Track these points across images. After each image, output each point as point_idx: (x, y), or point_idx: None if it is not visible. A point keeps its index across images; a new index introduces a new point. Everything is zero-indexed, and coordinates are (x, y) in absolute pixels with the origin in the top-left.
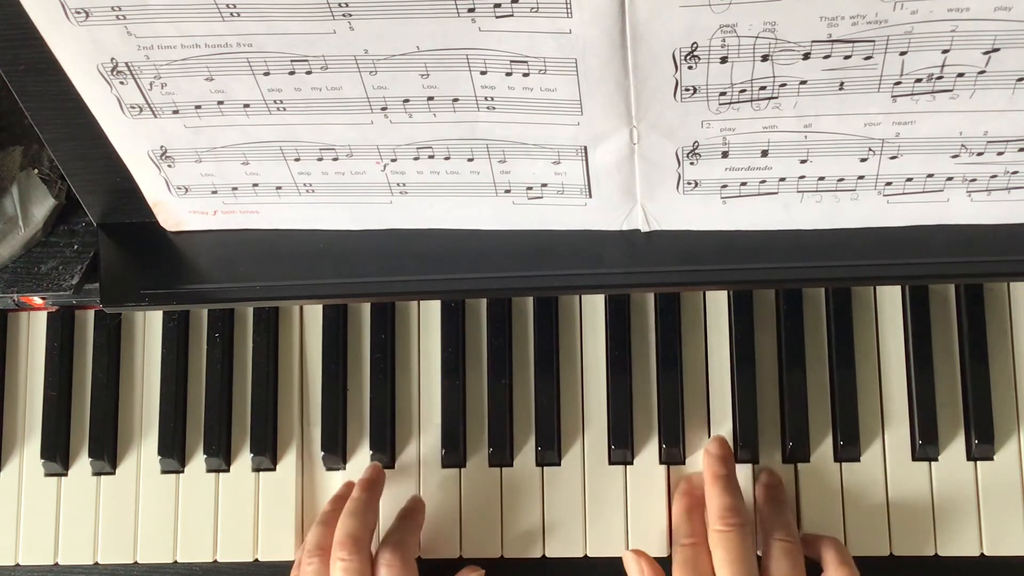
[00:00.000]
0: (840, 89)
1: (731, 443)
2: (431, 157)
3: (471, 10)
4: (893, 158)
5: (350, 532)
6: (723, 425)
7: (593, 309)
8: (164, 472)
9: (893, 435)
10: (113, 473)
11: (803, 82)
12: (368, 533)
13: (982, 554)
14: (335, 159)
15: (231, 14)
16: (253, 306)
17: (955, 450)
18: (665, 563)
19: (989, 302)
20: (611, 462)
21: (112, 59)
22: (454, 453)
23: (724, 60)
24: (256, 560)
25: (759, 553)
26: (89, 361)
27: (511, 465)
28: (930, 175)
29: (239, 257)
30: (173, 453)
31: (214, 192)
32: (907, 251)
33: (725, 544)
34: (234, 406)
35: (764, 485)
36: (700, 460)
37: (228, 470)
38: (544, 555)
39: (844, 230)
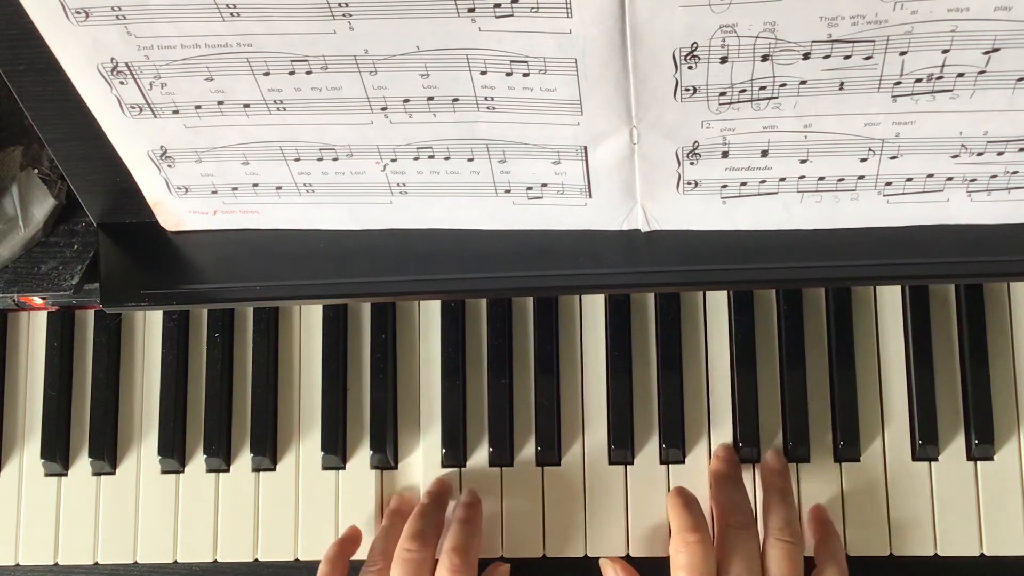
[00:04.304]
0: (840, 89)
1: (731, 443)
2: (431, 157)
3: (471, 10)
4: (893, 158)
5: (417, 529)
6: (723, 425)
7: (593, 309)
8: (164, 472)
9: (893, 435)
10: (113, 473)
11: (803, 82)
12: (436, 533)
13: (982, 554)
14: (335, 159)
15: (231, 14)
16: (253, 306)
17: (955, 450)
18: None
19: (989, 302)
20: (611, 462)
21: (112, 59)
22: (454, 453)
23: (724, 60)
24: (256, 560)
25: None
26: (89, 361)
27: (511, 465)
28: (930, 175)
29: (239, 257)
30: (173, 453)
31: (214, 192)
32: (907, 251)
33: (736, 542)
34: (234, 406)
35: (771, 470)
36: (700, 460)
37: (228, 470)
38: (544, 555)
39: (844, 230)
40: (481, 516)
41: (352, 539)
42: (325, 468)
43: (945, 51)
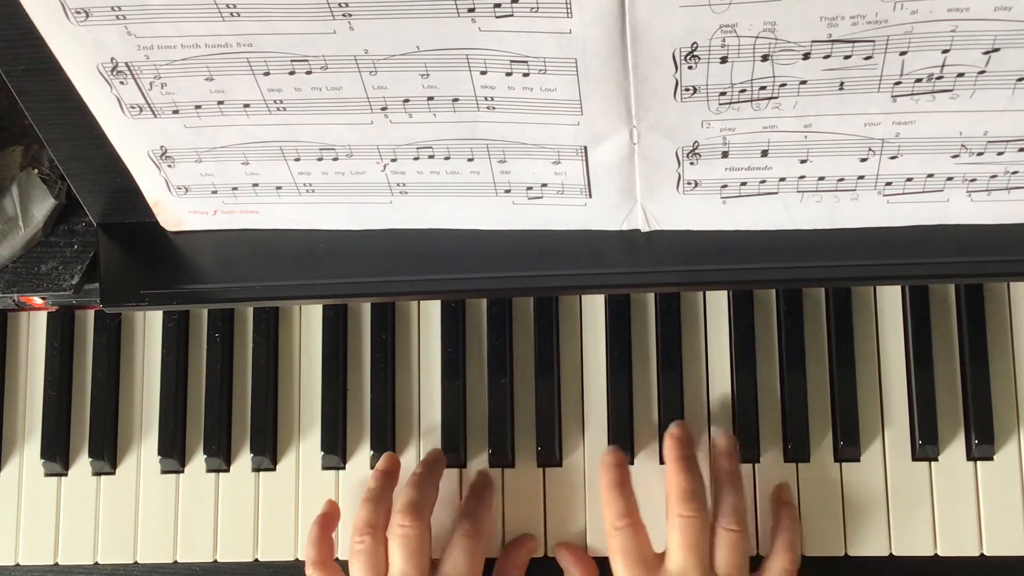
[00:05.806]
0: (840, 89)
1: (682, 420)
2: (431, 157)
3: (471, 10)
4: (893, 158)
5: (412, 500)
6: (723, 425)
7: (593, 309)
8: (164, 472)
9: (893, 435)
10: (113, 473)
11: (803, 82)
12: (429, 504)
13: (982, 554)
14: (335, 159)
15: (231, 14)
16: (253, 306)
17: (955, 450)
18: None
19: (989, 302)
20: None
21: (112, 59)
22: (454, 453)
23: (724, 60)
24: (256, 560)
25: None
26: (89, 361)
27: (512, 466)
28: (930, 175)
29: (239, 257)
30: (173, 453)
31: (214, 192)
32: (907, 251)
33: (684, 531)
34: (234, 406)
35: (720, 452)
36: (699, 460)
37: (228, 470)
38: (545, 555)
39: (844, 230)
40: (492, 497)
41: (332, 514)
42: (325, 468)
43: (945, 51)
